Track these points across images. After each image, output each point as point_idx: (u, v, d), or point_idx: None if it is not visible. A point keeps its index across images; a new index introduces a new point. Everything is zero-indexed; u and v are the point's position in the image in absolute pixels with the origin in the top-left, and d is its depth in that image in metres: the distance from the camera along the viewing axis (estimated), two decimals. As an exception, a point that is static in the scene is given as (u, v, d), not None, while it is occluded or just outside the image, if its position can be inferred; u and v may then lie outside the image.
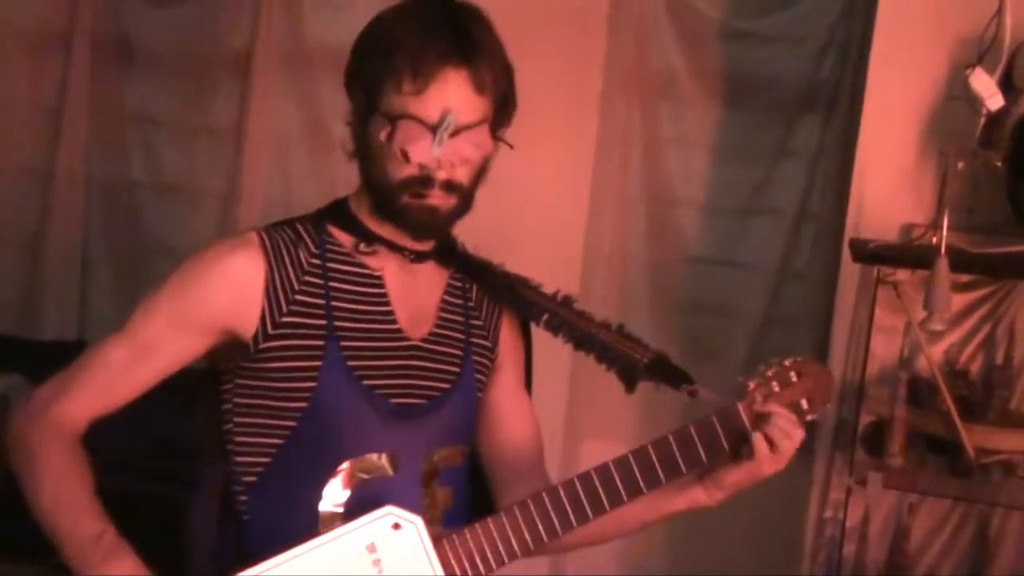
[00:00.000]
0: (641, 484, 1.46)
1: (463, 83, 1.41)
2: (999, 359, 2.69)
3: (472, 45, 1.42)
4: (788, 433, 1.48)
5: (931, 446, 2.55)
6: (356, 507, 1.43)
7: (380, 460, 1.47)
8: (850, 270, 2.73)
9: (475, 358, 1.57)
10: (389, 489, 1.45)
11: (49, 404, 1.44)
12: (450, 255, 1.58)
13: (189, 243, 3.65)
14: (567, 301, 1.57)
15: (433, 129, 1.40)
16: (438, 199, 1.45)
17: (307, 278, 1.46)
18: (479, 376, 1.58)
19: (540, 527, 1.44)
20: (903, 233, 2.68)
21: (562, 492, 1.45)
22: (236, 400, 1.49)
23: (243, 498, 1.49)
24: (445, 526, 1.47)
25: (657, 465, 1.47)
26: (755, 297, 3.32)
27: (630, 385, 1.51)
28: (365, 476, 1.46)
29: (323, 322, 1.45)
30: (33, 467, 1.41)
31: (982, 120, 2.42)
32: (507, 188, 2.92)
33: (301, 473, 1.45)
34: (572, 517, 1.45)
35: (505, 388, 1.63)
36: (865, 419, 2.64)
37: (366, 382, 1.46)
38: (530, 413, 1.66)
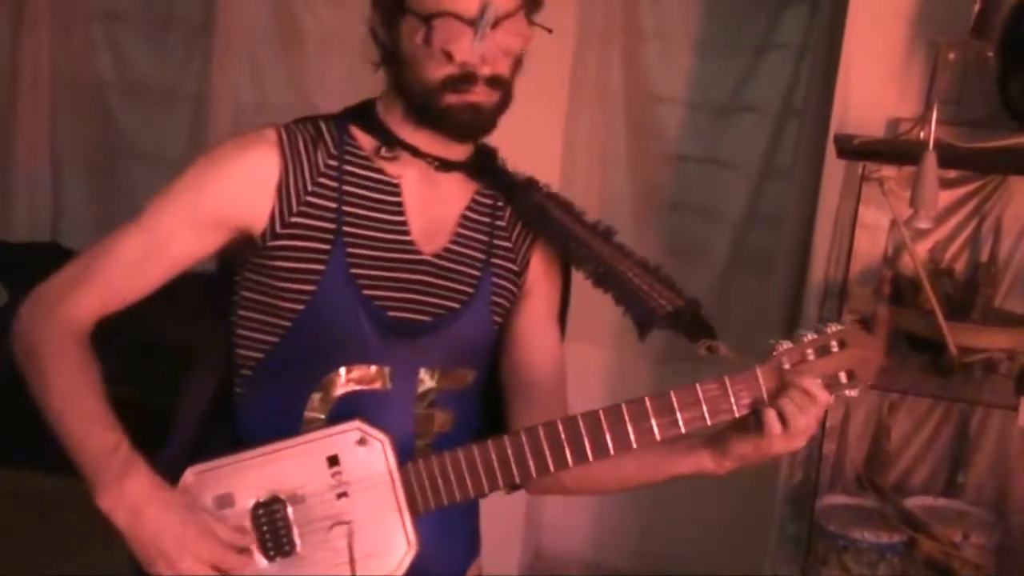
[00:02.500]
0: (631, 437, 1.36)
1: None
2: (984, 257, 2.65)
3: None
4: (804, 410, 1.35)
5: (913, 345, 2.52)
6: (342, 417, 1.39)
7: (375, 372, 1.42)
8: (834, 167, 2.67)
9: (494, 279, 1.49)
10: (380, 403, 1.41)
11: (58, 302, 1.39)
12: (484, 169, 1.51)
13: (160, 145, 3.58)
14: (607, 232, 1.48)
15: (472, 23, 1.35)
16: (482, 95, 1.39)
17: (321, 179, 1.42)
18: (496, 299, 1.50)
19: (513, 466, 1.37)
20: (889, 128, 2.62)
21: (542, 432, 1.37)
22: (243, 293, 1.45)
23: (239, 390, 1.47)
24: (436, 449, 1.42)
25: (652, 417, 1.36)
26: (737, 195, 3.27)
27: (642, 332, 1.43)
28: (358, 387, 1.41)
29: (332, 226, 1.41)
30: (41, 370, 1.36)
31: (976, 7, 2.33)
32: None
33: (291, 375, 1.42)
34: (550, 460, 1.36)
35: (531, 316, 1.54)
36: (847, 318, 2.60)
37: (366, 291, 1.41)
38: (555, 346, 1.56)
